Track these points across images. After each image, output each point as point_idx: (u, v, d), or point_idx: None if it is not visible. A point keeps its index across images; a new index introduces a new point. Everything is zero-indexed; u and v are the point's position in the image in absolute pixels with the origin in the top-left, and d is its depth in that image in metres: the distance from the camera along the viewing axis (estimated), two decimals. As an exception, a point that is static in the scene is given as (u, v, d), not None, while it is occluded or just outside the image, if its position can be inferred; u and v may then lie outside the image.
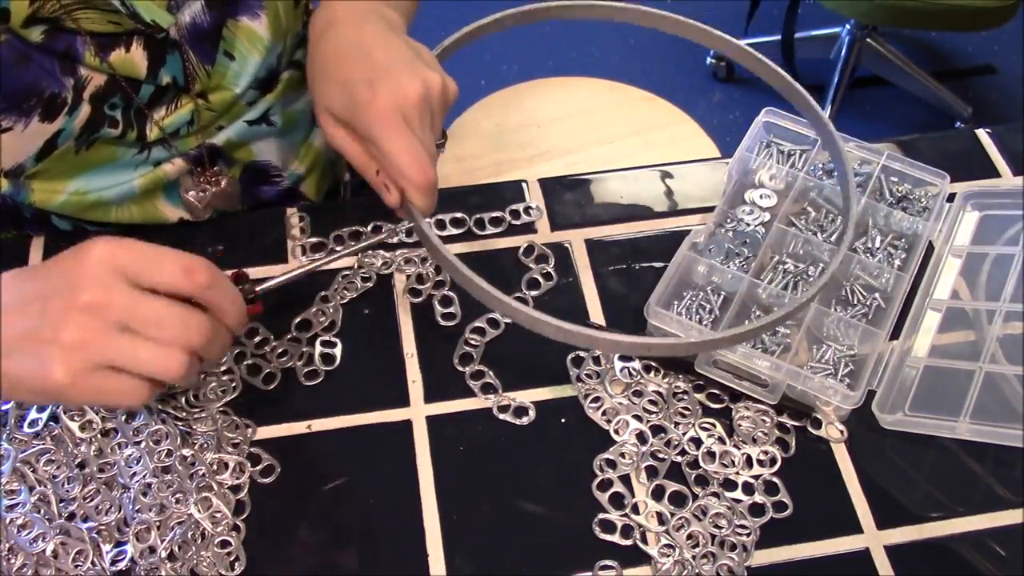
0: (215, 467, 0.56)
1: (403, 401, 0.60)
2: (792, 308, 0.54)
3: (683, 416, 0.60)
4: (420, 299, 0.66)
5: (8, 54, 0.52)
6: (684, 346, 0.53)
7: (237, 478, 0.55)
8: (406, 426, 0.59)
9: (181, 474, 0.54)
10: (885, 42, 1.86)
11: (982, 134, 0.75)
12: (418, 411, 0.60)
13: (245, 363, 0.62)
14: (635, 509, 0.56)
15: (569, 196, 0.72)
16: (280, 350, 0.62)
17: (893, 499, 0.56)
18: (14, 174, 0.58)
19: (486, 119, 1.15)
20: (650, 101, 1.17)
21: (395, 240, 0.69)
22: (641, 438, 0.59)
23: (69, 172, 0.61)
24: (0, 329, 0.43)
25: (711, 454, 0.58)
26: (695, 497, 0.56)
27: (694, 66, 2.01)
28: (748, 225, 0.68)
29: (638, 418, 0.59)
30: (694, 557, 0.54)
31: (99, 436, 0.56)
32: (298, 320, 0.64)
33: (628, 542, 0.54)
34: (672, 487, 0.56)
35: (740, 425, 0.59)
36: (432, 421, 0.60)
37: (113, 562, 0.52)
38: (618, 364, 0.62)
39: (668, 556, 0.54)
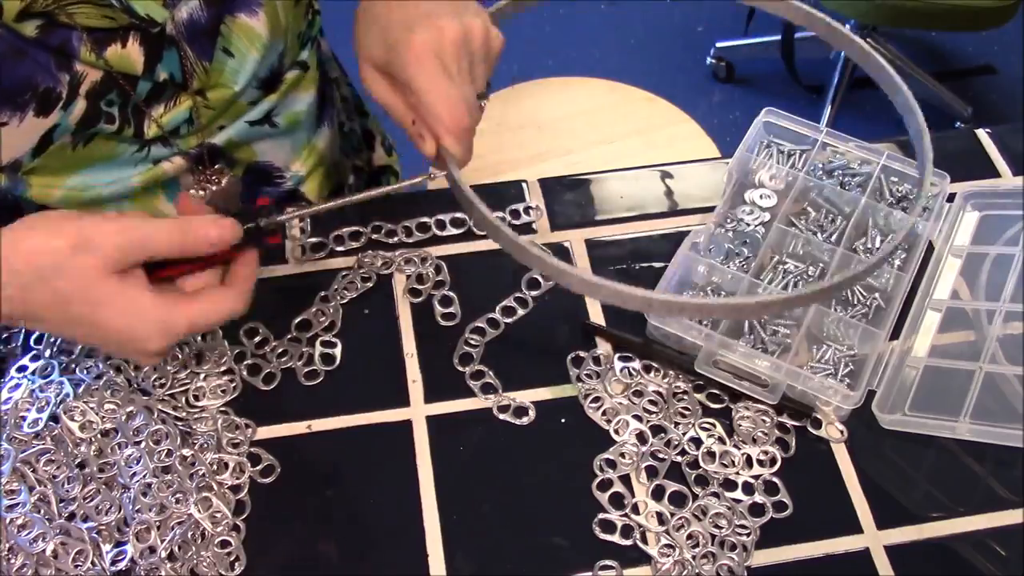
0: (215, 467, 0.56)
1: (403, 401, 0.60)
2: (862, 270, 0.50)
3: (683, 416, 0.60)
4: (420, 299, 0.66)
5: (1, 48, 0.52)
6: (720, 307, 0.49)
7: (237, 478, 0.55)
8: (406, 426, 0.59)
9: (181, 474, 0.54)
10: (885, 42, 1.86)
11: (982, 134, 0.75)
12: (418, 411, 0.60)
13: (245, 363, 0.62)
14: (635, 509, 0.56)
15: (569, 196, 0.72)
16: (280, 350, 0.62)
17: (893, 499, 0.56)
18: (11, 169, 0.58)
19: (486, 119, 1.14)
20: (650, 101, 1.17)
21: (394, 240, 0.69)
22: (641, 438, 0.59)
23: (67, 168, 0.61)
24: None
25: (711, 454, 0.58)
26: (695, 497, 0.56)
27: (694, 66, 2.02)
28: (748, 225, 0.68)
29: (638, 418, 0.59)
30: (694, 557, 0.54)
31: (99, 436, 0.56)
32: (298, 320, 0.64)
33: (628, 542, 0.54)
34: (672, 487, 0.56)
35: (740, 425, 0.59)
36: (432, 421, 0.60)
37: (113, 562, 0.52)
38: (618, 364, 0.62)
39: (668, 556, 0.54)
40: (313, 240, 0.68)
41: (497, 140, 1.12)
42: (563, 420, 0.59)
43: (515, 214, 0.70)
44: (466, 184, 0.51)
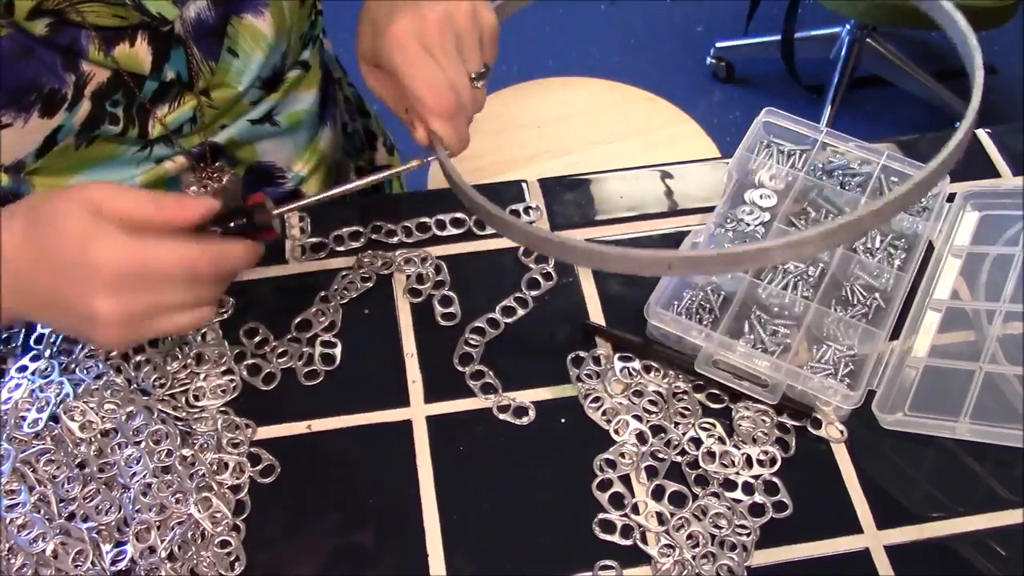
0: (215, 467, 0.56)
1: (403, 401, 0.60)
2: (918, 182, 0.46)
3: (683, 416, 0.60)
4: (420, 299, 0.66)
5: (9, 48, 0.51)
6: (746, 255, 0.44)
7: (237, 478, 0.55)
8: (406, 426, 0.59)
9: (181, 474, 0.54)
10: (885, 42, 1.86)
11: (982, 134, 0.74)
12: (418, 411, 0.60)
13: (245, 363, 0.62)
14: (635, 509, 0.55)
15: (569, 196, 0.72)
16: (280, 350, 0.62)
17: (893, 499, 0.56)
18: (15, 169, 0.58)
19: (486, 119, 1.15)
20: (650, 101, 1.17)
21: (394, 240, 0.69)
22: (641, 438, 0.58)
23: (70, 168, 0.60)
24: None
25: (711, 454, 0.58)
26: (695, 497, 0.56)
27: (694, 66, 2.01)
28: (748, 225, 0.68)
29: (638, 418, 0.59)
30: (694, 557, 0.54)
31: (99, 436, 0.56)
32: (298, 320, 0.64)
33: (628, 542, 0.54)
34: (672, 487, 0.56)
35: (740, 425, 0.59)
36: (432, 421, 0.60)
37: (113, 562, 0.52)
38: (618, 364, 0.62)
39: (668, 556, 0.54)
40: (313, 240, 0.68)
41: (497, 140, 1.12)
42: (563, 420, 0.59)
43: (515, 214, 0.70)
44: (455, 169, 0.51)
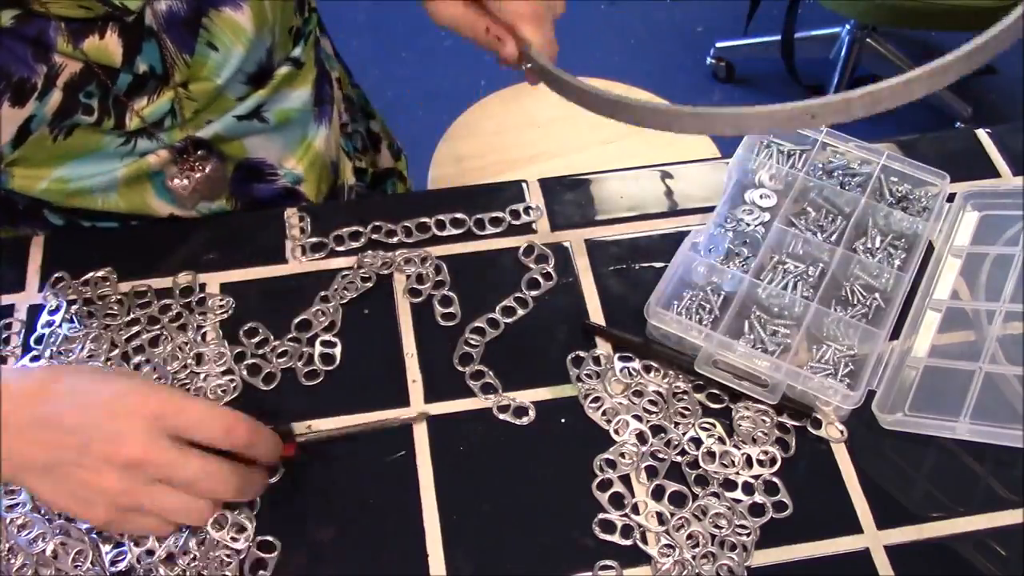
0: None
1: (403, 401, 0.60)
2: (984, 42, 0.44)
3: (683, 416, 0.60)
4: (420, 299, 0.66)
5: None
6: (794, 110, 0.43)
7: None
8: (406, 426, 0.59)
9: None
10: (885, 42, 1.86)
11: (982, 134, 0.74)
12: (418, 411, 0.60)
13: (245, 363, 0.61)
14: (635, 509, 0.55)
15: (569, 196, 0.72)
16: (280, 350, 0.62)
17: (893, 499, 0.56)
18: None
19: (486, 119, 1.15)
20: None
21: (394, 240, 0.69)
22: (641, 438, 0.58)
23: (50, 160, 0.60)
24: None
25: (711, 454, 0.58)
26: (695, 497, 0.56)
27: (694, 66, 2.01)
28: (748, 225, 0.68)
29: (638, 418, 0.59)
30: (694, 557, 0.54)
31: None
32: (298, 320, 0.64)
33: (628, 542, 0.54)
34: (672, 487, 0.56)
35: (740, 425, 0.59)
36: (432, 421, 0.60)
37: (112, 563, 0.52)
38: (618, 364, 0.62)
39: (668, 556, 0.54)
40: (313, 240, 0.68)
41: (497, 140, 1.12)
42: (563, 420, 0.59)
43: (515, 214, 0.70)
44: (558, 69, 0.52)
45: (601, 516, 0.55)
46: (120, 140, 0.61)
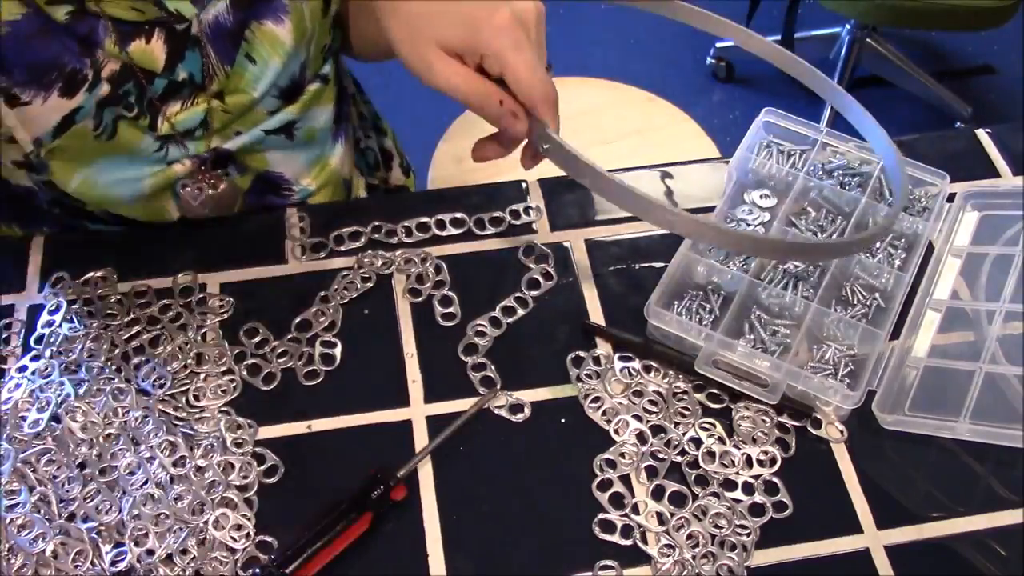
0: (222, 468, 0.56)
1: (403, 401, 0.60)
2: None
3: (683, 416, 0.60)
4: (420, 299, 0.66)
5: (28, 27, 0.52)
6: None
7: (245, 478, 0.55)
8: (406, 426, 0.59)
9: (195, 483, 0.54)
10: (885, 42, 1.87)
11: (982, 134, 0.74)
12: (418, 411, 0.60)
13: (245, 363, 0.62)
14: (635, 509, 0.55)
15: (569, 196, 0.72)
16: (280, 350, 0.62)
17: (893, 499, 0.56)
18: (34, 145, 0.58)
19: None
20: (650, 101, 1.17)
21: (394, 240, 0.69)
22: (641, 438, 0.58)
23: (86, 154, 0.60)
24: None
25: (711, 454, 0.58)
26: (695, 497, 0.56)
27: (694, 66, 2.01)
28: (748, 225, 0.68)
29: (638, 418, 0.59)
30: (694, 557, 0.53)
31: (100, 440, 0.56)
32: (298, 320, 0.64)
33: (628, 542, 0.54)
34: (672, 487, 0.56)
35: (740, 425, 0.59)
36: (432, 421, 0.60)
37: (113, 563, 0.52)
38: (618, 364, 0.62)
39: (668, 556, 0.54)
40: (313, 240, 0.68)
41: (497, 140, 1.11)
42: (563, 420, 0.59)
43: (515, 214, 0.70)
44: (575, 148, 0.53)
45: (601, 516, 0.55)
46: (156, 145, 0.62)
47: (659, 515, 0.55)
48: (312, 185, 0.73)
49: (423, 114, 1.80)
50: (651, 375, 0.61)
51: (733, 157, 0.70)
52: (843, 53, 1.86)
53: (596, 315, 0.65)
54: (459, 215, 0.69)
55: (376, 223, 0.69)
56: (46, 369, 0.58)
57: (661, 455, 0.58)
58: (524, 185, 0.71)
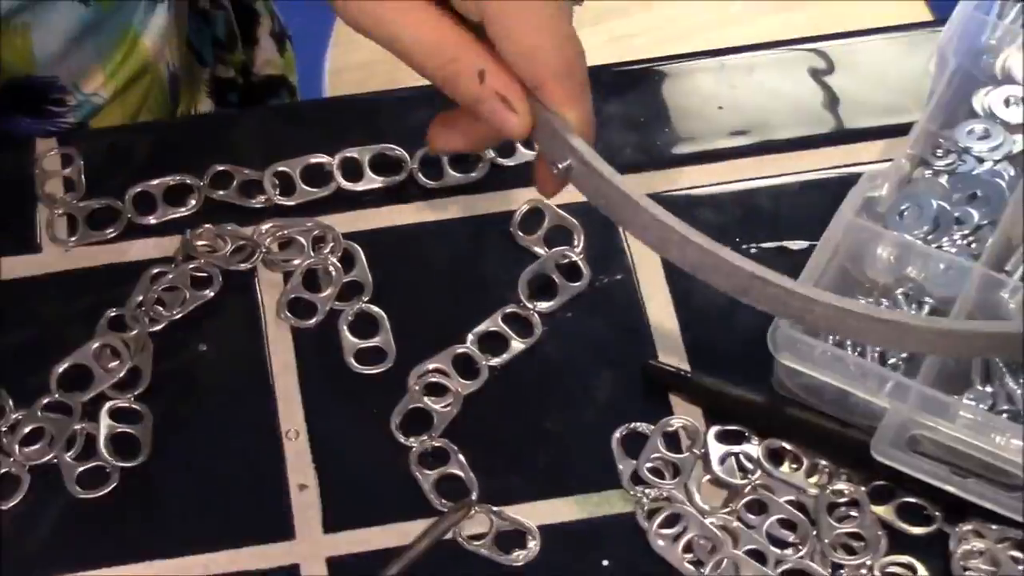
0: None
1: (284, 530, 0.61)
2: None
3: (850, 553, 0.59)
4: (312, 321, 0.67)
5: None
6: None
7: None
8: (292, 573, 0.60)
9: None
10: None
11: None
12: (311, 549, 0.61)
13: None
14: None
15: (614, 100, 0.73)
16: (27, 430, 0.62)
17: None
18: None
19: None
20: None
21: (258, 201, 0.70)
22: (764, 598, 0.58)
23: None
24: None
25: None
26: None
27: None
28: (980, 162, 0.67)
29: (758, 557, 0.59)
30: None
31: None
32: (64, 368, 0.64)
33: None
34: None
35: (966, 567, 0.59)
36: (339, 568, 0.60)
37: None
38: (715, 447, 0.62)
39: None
40: (92, 205, 0.69)
41: None
42: (605, 563, 0.60)
43: (505, 147, 0.70)
44: (606, 164, 0.55)
45: None
46: None
47: None
48: (104, 90, 0.75)
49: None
50: (783, 468, 0.62)
51: (949, 23, 0.71)
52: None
53: (669, 348, 0.65)
54: (389, 148, 0.70)
55: (220, 166, 0.70)
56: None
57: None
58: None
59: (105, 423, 0.63)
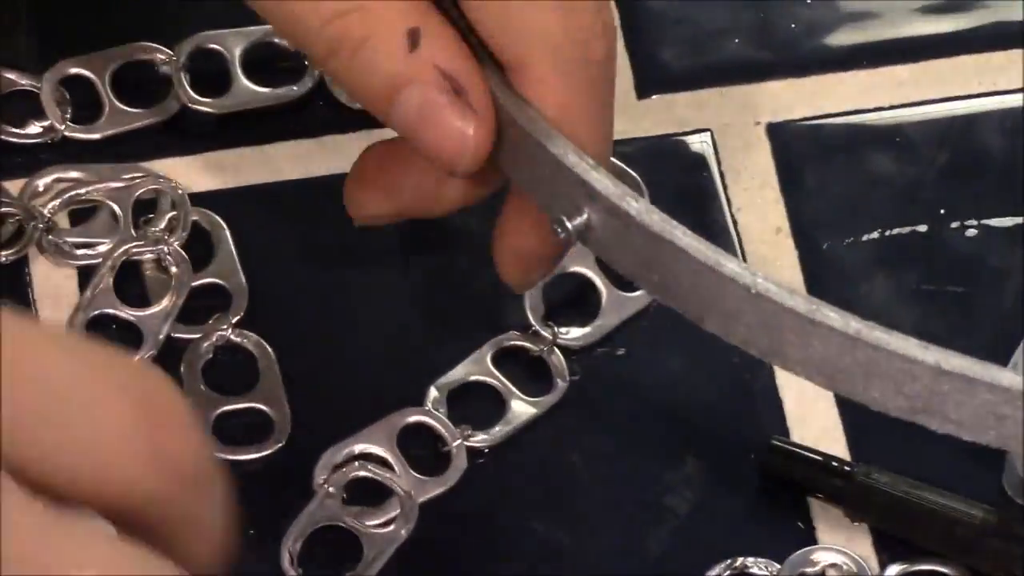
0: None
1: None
2: None
3: None
4: (133, 356, 0.56)
5: None
6: None
7: None
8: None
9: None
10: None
11: None
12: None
13: None
14: None
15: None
16: None
17: None
18: None
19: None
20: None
21: (31, 135, 0.58)
22: None
23: None
24: None
25: None
26: None
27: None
28: None
29: None
30: None
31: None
32: None
33: None
34: None
35: None
36: None
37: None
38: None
39: None
40: None
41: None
42: None
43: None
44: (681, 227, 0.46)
45: None
46: None
47: None
48: None
49: None
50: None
51: None
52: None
53: (809, 419, 0.55)
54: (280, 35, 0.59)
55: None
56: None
57: None
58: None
59: None
